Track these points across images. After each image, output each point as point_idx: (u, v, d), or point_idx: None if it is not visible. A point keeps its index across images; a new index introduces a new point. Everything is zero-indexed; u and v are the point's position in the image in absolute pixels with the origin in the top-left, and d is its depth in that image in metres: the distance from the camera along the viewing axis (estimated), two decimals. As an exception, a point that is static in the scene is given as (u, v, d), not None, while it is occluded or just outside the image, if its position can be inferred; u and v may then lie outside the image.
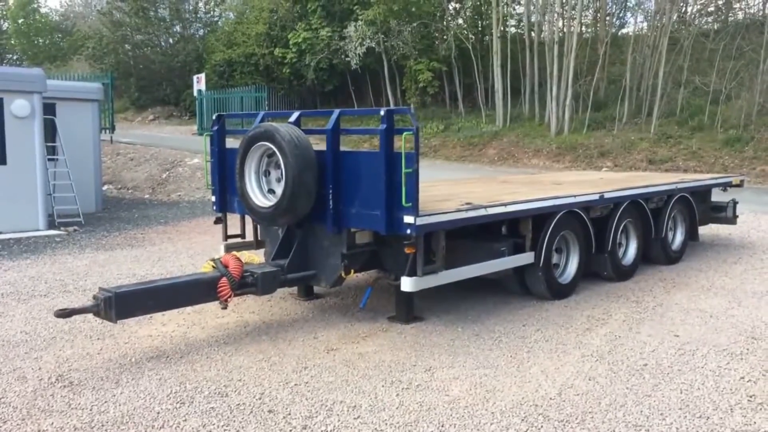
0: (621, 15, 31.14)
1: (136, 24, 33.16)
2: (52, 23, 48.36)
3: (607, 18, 30.12)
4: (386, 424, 4.14)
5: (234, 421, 4.12)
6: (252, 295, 5.95)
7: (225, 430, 4.02)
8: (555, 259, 7.41)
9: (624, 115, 25.96)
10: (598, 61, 26.77)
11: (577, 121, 26.53)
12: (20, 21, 46.02)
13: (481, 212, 6.09)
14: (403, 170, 5.40)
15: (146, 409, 4.30)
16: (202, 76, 30.58)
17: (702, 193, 9.92)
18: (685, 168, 21.18)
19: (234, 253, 6.15)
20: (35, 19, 46.87)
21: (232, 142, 7.07)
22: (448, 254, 6.21)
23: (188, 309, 6.58)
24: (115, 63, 33.43)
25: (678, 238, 9.29)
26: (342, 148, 6.06)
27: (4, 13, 47.37)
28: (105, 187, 19.53)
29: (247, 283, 5.73)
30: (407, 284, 5.66)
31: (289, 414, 4.24)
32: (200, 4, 35.58)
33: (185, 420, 4.13)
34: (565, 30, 27.59)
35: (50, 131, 13.51)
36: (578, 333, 6.03)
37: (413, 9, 28.55)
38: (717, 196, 10.54)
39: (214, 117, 7.17)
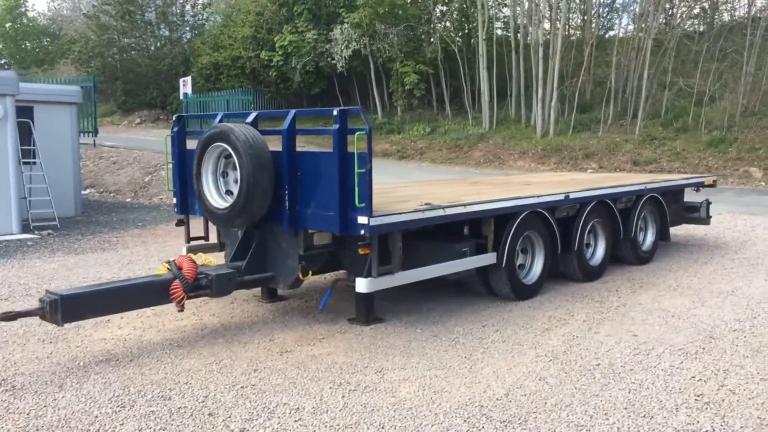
0: (607, 17, 31.18)
1: (123, 27, 33.05)
2: (39, 27, 48.23)
3: (593, 20, 30.17)
4: (326, 426, 4.10)
5: (171, 425, 4.07)
6: (207, 297, 5.88)
7: (162, 433, 3.98)
8: (521, 259, 7.39)
9: (609, 116, 25.99)
10: (584, 64, 26.79)
11: (563, 123, 26.57)
12: (7, 25, 45.84)
13: (439, 213, 6.06)
14: (356, 170, 5.36)
15: (85, 413, 4.24)
16: (189, 79, 30.50)
17: (674, 193, 9.91)
18: (669, 169, 21.22)
19: (190, 255, 6.09)
20: (22, 23, 46.72)
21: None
22: (409, 255, 6.19)
23: (148, 312, 6.54)
24: (101, 66, 33.30)
25: (649, 239, 9.28)
26: (304, 149, 6.01)
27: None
28: (87, 191, 19.48)
29: (201, 285, 5.69)
30: (362, 285, 5.63)
31: (229, 417, 4.19)
32: (187, 7, 35.48)
33: (122, 424, 4.08)
34: (550, 32, 27.64)
35: (26, 134, 13.45)
36: (537, 333, 6.00)
37: (399, 12, 28.53)
38: (692, 196, 10.54)
39: (173, 118, 7.11)
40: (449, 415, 4.26)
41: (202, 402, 4.42)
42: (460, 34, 30.90)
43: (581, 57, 27.20)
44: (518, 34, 28.36)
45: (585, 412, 4.32)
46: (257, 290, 7.11)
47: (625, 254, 8.85)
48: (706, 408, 4.38)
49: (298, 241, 5.96)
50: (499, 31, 31.16)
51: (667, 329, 6.13)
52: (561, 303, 7.06)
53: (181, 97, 30.17)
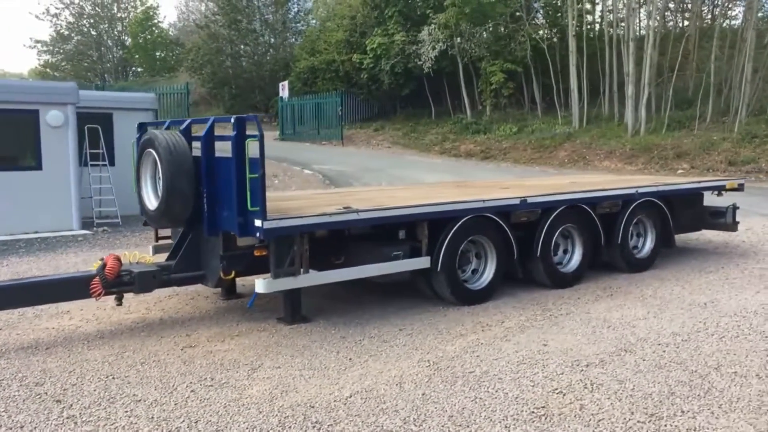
0: (713, 8, 29.26)
1: (230, 36, 34.90)
2: (168, 38, 51.77)
3: (689, 12, 28.43)
4: (147, 417, 4.36)
5: (16, 409, 4.49)
6: (132, 292, 6.30)
7: None
8: (475, 264, 7.33)
9: (708, 113, 24.45)
10: (678, 58, 25.34)
11: (658, 120, 25.28)
12: (140, 37, 49.58)
13: (351, 217, 6.16)
14: (248, 175, 5.60)
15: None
16: (286, 83, 31.75)
17: (685, 197, 9.32)
18: (768, 171, 19.79)
19: (122, 253, 6.56)
20: (153, 34, 50.36)
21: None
22: (336, 256, 6.35)
23: (106, 305, 7.05)
24: (211, 73, 35.36)
25: (647, 245, 8.82)
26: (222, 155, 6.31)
27: (126, 29, 51.18)
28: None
29: (123, 282, 6.12)
30: (260, 286, 5.85)
31: (71, 405, 4.56)
32: (290, 15, 36.91)
33: (-21, 403, 4.56)
34: (644, 26, 26.37)
35: (96, 139, 14.67)
36: (445, 340, 5.96)
37: (487, 10, 28.22)
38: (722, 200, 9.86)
39: (136, 125, 7.61)
40: (271, 414, 4.40)
41: (62, 390, 4.83)
42: (551, 30, 30.07)
43: (675, 52, 25.72)
44: (611, 29, 27.22)
45: (411, 419, 4.32)
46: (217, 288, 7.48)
47: (615, 261, 8.48)
48: (533, 420, 4.25)
49: (219, 242, 6.26)
50: (596, 26, 30.08)
51: (585, 340, 5.90)
52: (504, 309, 6.93)
53: (281, 100, 31.45)
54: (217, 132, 6.63)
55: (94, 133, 14.59)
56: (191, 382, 4.97)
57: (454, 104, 30.59)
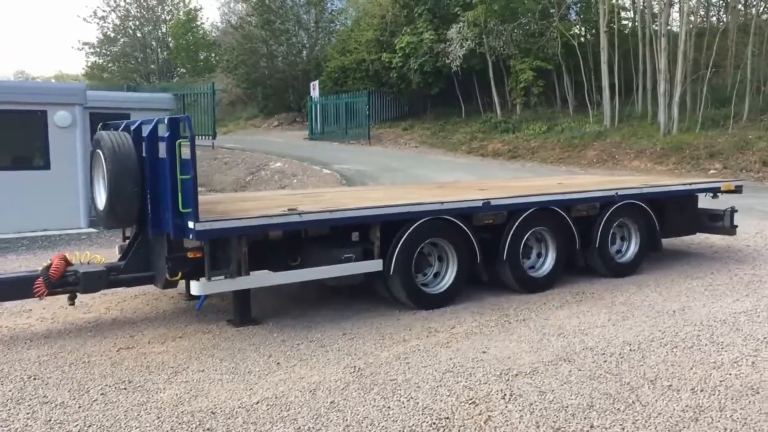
0: (747, 3, 28.21)
1: (263, 36, 35.21)
2: (210, 39, 52.52)
3: (726, 7, 27.44)
4: (43, 419, 4.36)
5: None
6: (78, 292, 6.33)
7: None
8: (437, 267, 7.17)
9: (744, 112, 23.58)
10: (713, 55, 24.48)
11: (692, 119, 24.48)
12: (182, 38, 50.45)
13: (293, 219, 6.07)
14: (179, 177, 5.56)
15: None
16: (317, 83, 31.86)
17: (677, 200, 8.93)
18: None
19: (74, 253, 6.61)
20: (195, 36, 51.19)
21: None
22: (298, 257, 6.34)
23: (66, 304, 7.11)
24: (245, 73, 35.74)
25: (631, 249, 8.49)
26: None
27: (170, 31, 52.12)
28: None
29: (68, 282, 6.16)
30: (194, 288, 5.81)
31: (-21, 403, 4.59)
32: (323, 15, 37.01)
33: None
34: (677, 22, 25.58)
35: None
36: (385, 345, 5.82)
37: (517, 7, 27.80)
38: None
39: (99, 126, 7.64)
40: (167, 420, 4.35)
41: (-22, 388, 4.87)
42: (585, 26, 29.44)
43: (712, 48, 24.83)
44: (645, 25, 26.47)
45: (298, 428, 4.21)
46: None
47: (594, 266, 8.18)
48: (432, 431, 4.10)
49: (164, 243, 6.25)
50: (628, 23, 29.34)
51: (528, 348, 5.69)
52: (461, 314, 6.75)
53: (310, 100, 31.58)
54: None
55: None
56: (107, 385, 4.95)
57: (485, 103, 30.20)
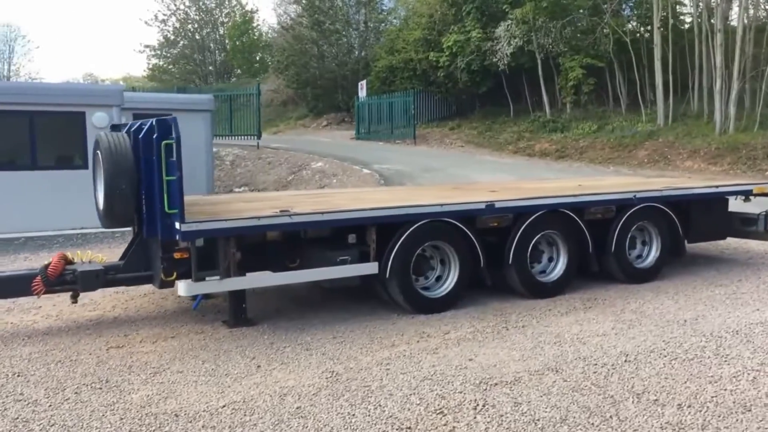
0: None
1: (313, 37, 35.41)
2: (265, 40, 53.26)
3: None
4: (11, 417, 4.41)
5: None
6: (76, 290, 6.42)
7: None
8: (439, 270, 7.02)
9: (808, 110, 22.49)
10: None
11: (750, 118, 23.46)
12: (237, 41, 51.34)
13: (284, 220, 6.02)
14: (164, 178, 5.57)
15: None
16: (364, 82, 31.86)
17: (704, 203, 8.51)
18: None
19: (76, 252, 6.71)
20: (250, 38, 52.01)
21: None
22: (297, 259, 6.32)
23: (81, 300, 7.23)
24: (295, 74, 36.03)
25: (652, 254, 8.13)
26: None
27: (227, 33, 53.10)
28: (241, 189, 21.36)
29: (66, 281, 6.26)
30: (181, 288, 5.82)
31: (-45, 400, 4.69)
32: (374, 15, 36.98)
33: None
34: (735, 16, 24.56)
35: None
36: (371, 350, 5.71)
37: (568, 4, 27.18)
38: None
39: (108, 126, 7.75)
40: (129, 421, 4.34)
41: (-38, 384, 4.98)
42: (639, 22, 28.57)
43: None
44: (701, 20, 25.50)
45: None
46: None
47: (611, 271, 7.87)
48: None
49: (159, 244, 6.28)
50: (684, 18, 28.34)
51: (518, 356, 5.49)
52: (459, 319, 6.57)
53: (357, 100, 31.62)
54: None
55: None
56: (84, 384, 4.99)
57: (534, 102, 29.62)
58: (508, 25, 27.52)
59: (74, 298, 6.58)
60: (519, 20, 27.26)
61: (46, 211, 12.82)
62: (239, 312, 6.46)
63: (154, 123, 5.77)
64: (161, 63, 55.74)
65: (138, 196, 6.22)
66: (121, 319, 6.80)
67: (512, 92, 30.04)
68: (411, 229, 6.58)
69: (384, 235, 6.56)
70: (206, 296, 7.29)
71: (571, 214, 7.42)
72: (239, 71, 55.34)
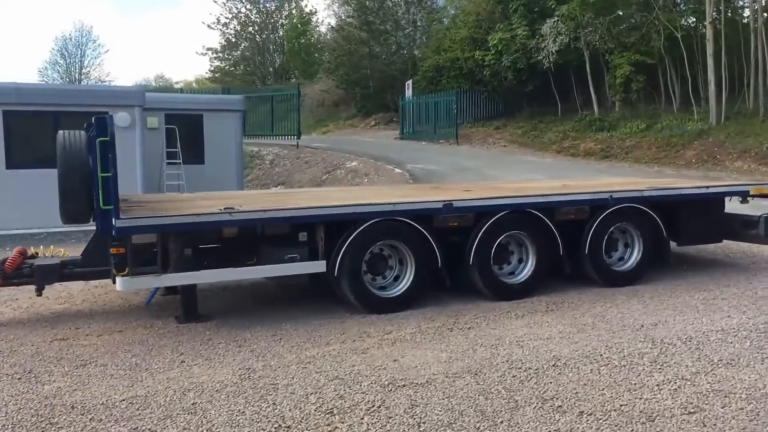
0: None
1: (361, 37, 35.56)
2: (320, 41, 53.79)
3: None
4: None
5: None
6: (32, 284, 6.62)
7: None
8: (397, 270, 6.93)
9: None
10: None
11: (808, 116, 22.28)
12: (294, 42, 52.00)
13: (223, 217, 6.04)
14: (99, 174, 5.68)
15: None
16: (410, 82, 31.78)
17: (696, 204, 8.10)
18: None
19: (39, 247, 6.92)
20: (306, 39, 52.61)
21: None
22: (253, 256, 6.37)
23: (51, 295, 7.48)
24: (344, 74, 36.27)
25: (633, 257, 7.79)
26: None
27: (285, 35, 53.86)
28: (277, 188, 21.64)
29: (23, 274, 6.46)
30: (118, 284, 5.91)
31: None
32: (426, 14, 36.82)
33: None
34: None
35: (173, 139, 15.65)
36: (303, 348, 5.68)
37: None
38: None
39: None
40: (24, 410, 4.44)
41: None
42: (693, 17, 27.49)
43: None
44: (756, 14, 24.34)
45: (137, 428, 4.17)
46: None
47: (587, 274, 7.59)
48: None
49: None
50: (746, 11, 27.10)
51: (445, 358, 5.35)
52: (408, 320, 6.47)
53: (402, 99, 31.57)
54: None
55: (171, 133, 15.55)
56: (6, 374, 5.14)
57: (582, 100, 28.88)
58: (554, 22, 26.95)
59: (38, 292, 6.77)
60: (566, 16, 26.65)
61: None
62: (190, 308, 6.53)
63: (93, 120, 5.88)
64: (223, 65, 57.06)
65: (91, 194, 6.36)
66: (83, 313, 6.98)
67: (561, 90, 29.38)
68: (361, 228, 6.50)
69: (334, 234, 6.51)
70: (171, 292, 7.43)
71: (538, 214, 7.18)
72: (296, 72, 56.09)
